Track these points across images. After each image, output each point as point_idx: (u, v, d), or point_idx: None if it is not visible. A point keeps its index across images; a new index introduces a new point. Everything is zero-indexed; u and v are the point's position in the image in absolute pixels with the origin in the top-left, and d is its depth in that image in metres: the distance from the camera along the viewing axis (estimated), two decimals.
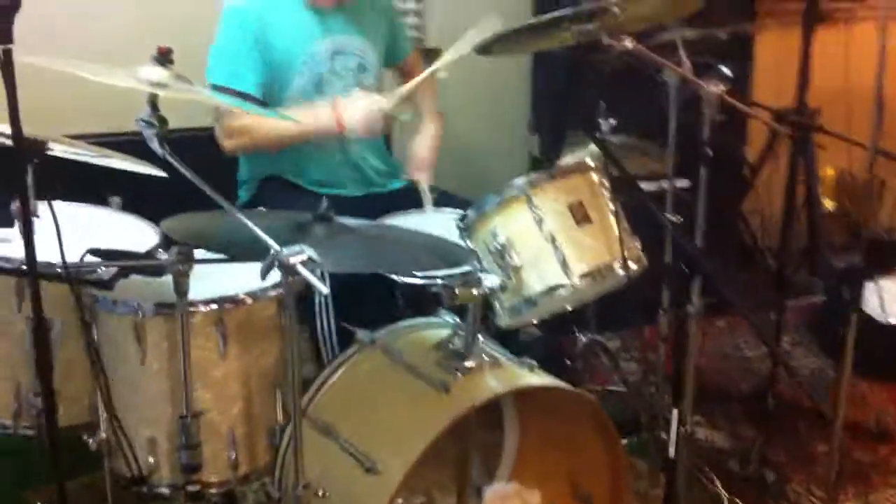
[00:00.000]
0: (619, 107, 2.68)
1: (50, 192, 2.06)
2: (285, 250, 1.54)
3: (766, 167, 4.00)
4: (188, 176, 1.68)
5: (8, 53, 1.46)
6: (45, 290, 2.09)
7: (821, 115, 3.59)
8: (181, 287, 1.87)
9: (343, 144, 2.75)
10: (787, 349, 3.73)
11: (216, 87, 2.60)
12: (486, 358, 2.04)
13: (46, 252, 2.04)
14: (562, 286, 2.07)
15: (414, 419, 1.95)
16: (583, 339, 2.76)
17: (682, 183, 3.56)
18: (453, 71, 3.47)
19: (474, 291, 1.99)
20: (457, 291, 1.99)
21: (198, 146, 2.91)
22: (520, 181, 2.12)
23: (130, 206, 3.29)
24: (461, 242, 2.16)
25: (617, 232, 2.11)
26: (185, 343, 1.92)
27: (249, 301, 2.13)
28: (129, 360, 2.09)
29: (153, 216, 2.34)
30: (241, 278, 2.09)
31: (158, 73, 1.77)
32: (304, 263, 1.54)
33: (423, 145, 2.80)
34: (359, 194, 2.80)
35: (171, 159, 1.71)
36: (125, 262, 1.83)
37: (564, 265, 2.07)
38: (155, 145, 1.74)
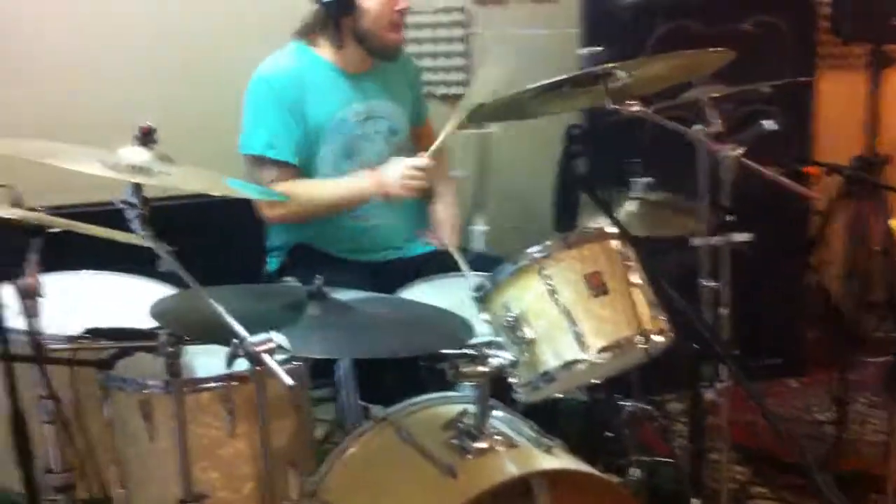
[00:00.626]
0: (663, 162, 2.57)
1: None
2: (251, 338, 1.48)
3: (836, 217, 3.81)
4: (163, 255, 1.64)
5: None
6: (57, 368, 2.11)
7: (892, 162, 3.42)
8: (174, 368, 1.82)
9: (371, 211, 2.71)
10: (863, 410, 3.51)
11: (252, 158, 2.62)
12: (498, 438, 1.94)
13: (59, 324, 2.06)
14: (579, 361, 1.95)
15: None
16: (627, 406, 2.62)
17: (743, 237, 3.43)
18: (505, 123, 3.42)
19: (480, 368, 1.91)
20: (461, 369, 1.91)
21: (227, 212, 2.95)
22: (533, 250, 2.02)
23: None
24: (474, 315, 2.07)
25: (638, 303, 1.99)
26: (181, 424, 1.87)
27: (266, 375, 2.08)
28: (139, 437, 2.06)
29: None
30: None
31: (140, 154, 1.75)
32: (270, 352, 1.48)
33: (444, 212, 2.74)
34: (387, 259, 2.76)
35: (150, 242, 1.66)
36: (116, 343, 1.79)
37: (580, 339, 1.95)
38: (136, 226, 1.70)
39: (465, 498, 1.78)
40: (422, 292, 2.47)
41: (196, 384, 2.00)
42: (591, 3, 3.42)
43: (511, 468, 1.87)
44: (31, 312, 2.04)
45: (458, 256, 2.56)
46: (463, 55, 3.54)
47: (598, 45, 3.40)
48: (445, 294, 2.33)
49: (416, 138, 2.93)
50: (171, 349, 1.78)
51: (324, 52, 2.69)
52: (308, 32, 2.68)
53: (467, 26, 3.54)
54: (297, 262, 2.72)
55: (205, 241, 2.98)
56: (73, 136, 1.86)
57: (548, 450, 1.94)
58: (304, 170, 2.67)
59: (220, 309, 1.56)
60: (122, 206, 1.72)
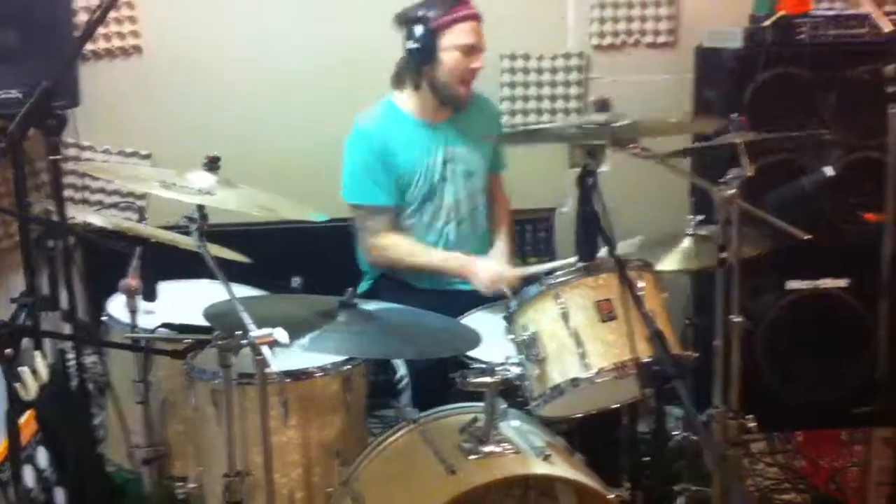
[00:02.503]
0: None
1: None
2: (254, 331, 1.77)
3: None
4: (214, 269, 1.95)
5: (56, 163, 1.84)
6: (159, 362, 2.51)
7: None
8: (225, 360, 2.13)
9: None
10: None
11: (360, 206, 2.98)
12: (505, 444, 2.14)
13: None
14: (581, 379, 2.13)
15: (422, 495, 2.09)
16: (678, 437, 2.73)
17: (841, 282, 3.40)
18: (616, 160, 3.57)
19: (486, 379, 2.12)
20: (469, 379, 2.13)
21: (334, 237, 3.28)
22: (554, 277, 2.21)
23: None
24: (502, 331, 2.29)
25: (642, 331, 2.12)
26: (229, 410, 2.17)
27: (319, 374, 2.39)
28: (211, 422, 2.40)
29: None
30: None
31: (206, 179, 2.10)
32: (269, 344, 1.76)
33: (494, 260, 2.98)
34: (466, 289, 3.00)
35: (202, 253, 1.99)
36: (181, 336, 2.13)
37: (584, 360, 2.13)
38: (194, 238, 2.03)
39: (457, 492, 2.00)
40: (482, 317, 2.74)
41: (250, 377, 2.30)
42: (704, 49, 3.54)
43: (503, 470, 2.07)
44: (131, 308, 2.45)
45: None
46: (580, 98, 3.73)
47: (710, 90, 3.52)
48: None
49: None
50: (220, 342, 2.09)
51: (407, 105, 3.01)
52: (398, 80, 3.00)
53: (586, 72, 3.73)
54: (382, 288, 3.05)
55: (315, 260, 3.39)
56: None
57: (546, 458, 2.11)
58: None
59: (240, 307, 1.86)
60: (183, 220, 2.06)
